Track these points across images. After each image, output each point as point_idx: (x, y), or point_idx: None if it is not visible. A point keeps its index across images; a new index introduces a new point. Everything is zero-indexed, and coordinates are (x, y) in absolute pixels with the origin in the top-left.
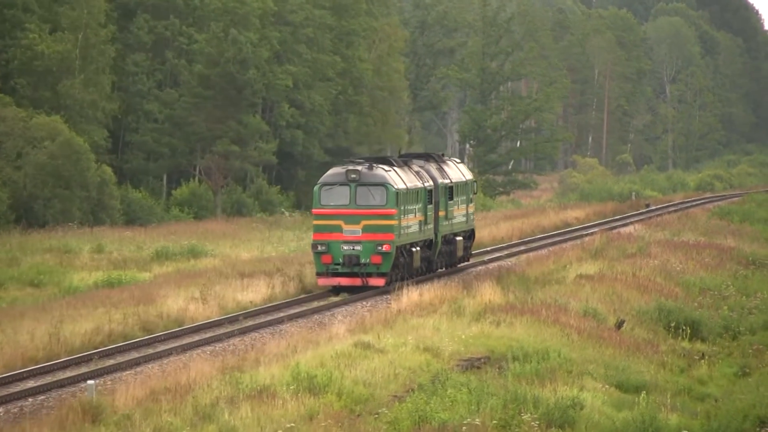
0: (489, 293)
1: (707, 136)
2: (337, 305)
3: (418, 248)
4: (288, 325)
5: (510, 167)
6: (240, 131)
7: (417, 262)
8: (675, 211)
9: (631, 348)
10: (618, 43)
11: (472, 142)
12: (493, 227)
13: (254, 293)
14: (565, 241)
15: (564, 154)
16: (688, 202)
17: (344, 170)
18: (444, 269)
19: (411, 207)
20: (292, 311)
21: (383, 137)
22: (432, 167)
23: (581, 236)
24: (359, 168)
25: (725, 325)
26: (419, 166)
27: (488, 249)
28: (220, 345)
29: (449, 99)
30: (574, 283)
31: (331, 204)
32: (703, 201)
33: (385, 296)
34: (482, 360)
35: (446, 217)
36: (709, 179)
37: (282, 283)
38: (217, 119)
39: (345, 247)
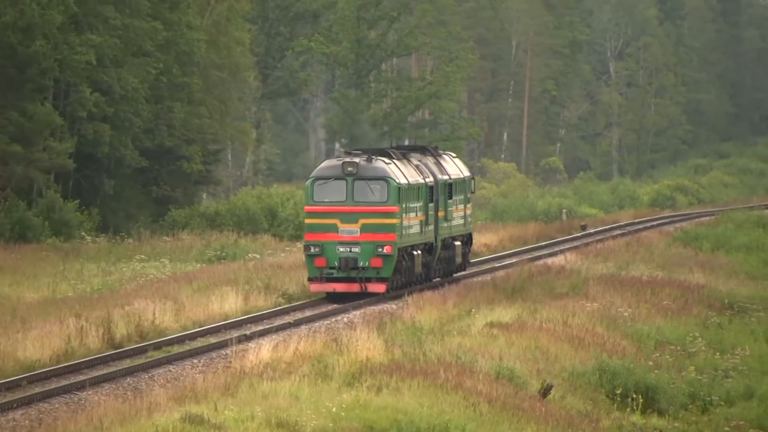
0: (366, 347)
1: (667, 133)
2: (158, 364)
3: (420, 252)
4: (90, 392)
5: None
6: (23, 125)
7: (418, 268)
8: (622, 235)
9: (561, 423)
10: (544, 4)
11: (343, 140)
12: None
13: (43, 348)
14: (472, 276)
15: (469, 157)
16: (640, 222)
17: (340, 163)
18: (440, 278)
19: (413, 205)
20: (96, 373)
21: (221, 133)
22: (429, 161)
23: (492, 270)
24: (357, 160)
25: (692, 393)
26: (417, 160)
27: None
28: None
29: (312, 82)
30: (482, 334)
31: (326, 201)
32: (660, 221)
33: (224, 351)
34: None
35: (446, 218)
36: (670, 192)
37: (82, 334)
38: None
39: (341, 249)
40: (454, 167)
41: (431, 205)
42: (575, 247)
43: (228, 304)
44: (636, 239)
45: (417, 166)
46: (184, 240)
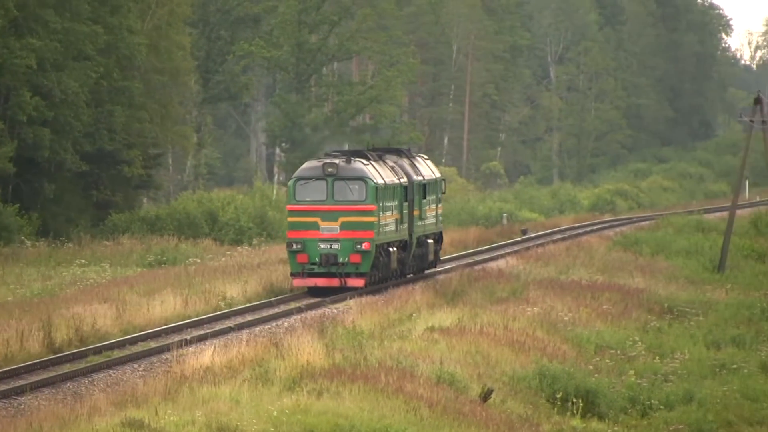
0: (307, 352)
1: (607, 137)
2: (98, 368)
3: (395, 249)
4: (30, 396)
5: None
6: None
7: (394, 264)
8: (563, 239)
9: (501, 428)
10: (485, 9)
11: (284, 144)
12: None
13: None
14: (412, 281)
15: None
16: (580, 227)
17: (321, 164)
18: (413, 275)
19: (389, 204)
20: (35, 378)
21: (162, 137)
22: (405, 163)
23: (433, 274)
24: (337, 161)
25: (631, 397)
26: (393, 162)
27: (305, 291)
28: None
29: (253, 86)
30: (423, 339)
31: (307, 200)
32: (601, 226)
33: (164, 355)
34: None
35: (420, 217)
36: (610, 196)
37: (21, 339)
38: None
39: (322, 246)
40: (427, 169)
41: (406, 204)
42: (516, 252)
43: (168, 308)
44: (576, 243)
45: (392, 167)
46: (124, 244)
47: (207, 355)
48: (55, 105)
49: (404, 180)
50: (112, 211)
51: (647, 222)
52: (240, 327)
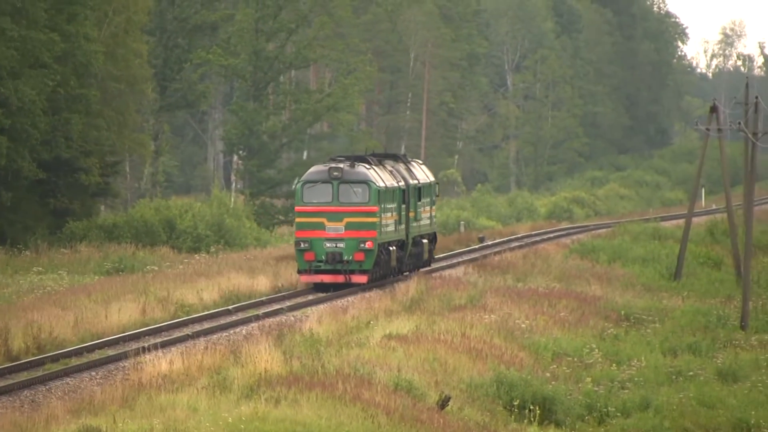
0: (265, 359)
1: (564, 145)
2: (55, 376)
3: (394, 248)
4: None
5: (293, 187)
6: None
7: (393, 261)
8: (520, 247)
9: None
10: (442, 17)
11: (241, 152)
12: (271, 269)
13: None
14: (370, 288)
15: None
16: (537, 234)
17: (327, 168)
18: (409, 273)
19: (389, 206)
20: None
21: (120, 145)
22: (401, 167)
23: (391, 281)
24: (341, 166)
25: (588, 404)
26: (391, 166)
27: (264, 299)
28: None
29: (210, 94)
30: (381, 346)
31: (314, 201)
32: (558, 233)
33: (122, 363)
34: None
35: (415, 218)
36: (567, 204)
37: None
38: None
39: (328, 245)
40: (422, 173)
41: (403, 206)
42: (473, 259)
43: (126, 316)
44: (533, 251)
45: (391, 171)
46: (82, 252)
47: (165, 362)
48: (12, 113)
49: (402, 183)
50: (69, 218)
51: (604, 230)
52: (197, 334)
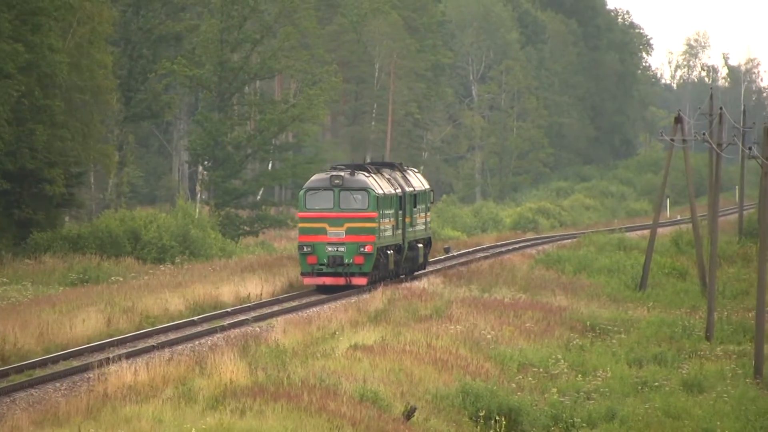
0: (230, 370)
1: (529, 156)
2: (20, 387)
3: (392, 252)
4: None
5: (259, 198)
6: None
7: (391, 265)
8: (485, 258)
9: None
10: (407, 27)
11: (206, 163)
12: (236, 280)
13: None
14: (335, 299)
15: None
16: (503, 245)
17: (328, 176)
18: (405, 276)
19: (387, 212)
20: None
21: (84, 155)
22: (397, 175)
23: (356, 292)
24: (342, 174)
25: (554, 415)
26: (388, 174)
27: (229, 310)
28: None
29: (175, 104)
30: (346, 357)
31: (317, 208)
32: (523, 244)
33: (87, 374)
34: None
35: (411, 224)
36: (532, 214)
37: None
38: None
39: (329, 249)
40: (418, 181)
41: (400, 212)
42: (438, 270)
43: (91, 326)
44: (499, 262)
45: (389, 179)
46: (46, 263)
47: (130, 373)
48: None
49: (399, 190)
50: (33, 229)
51: (569, 240)
52: (163, 345)
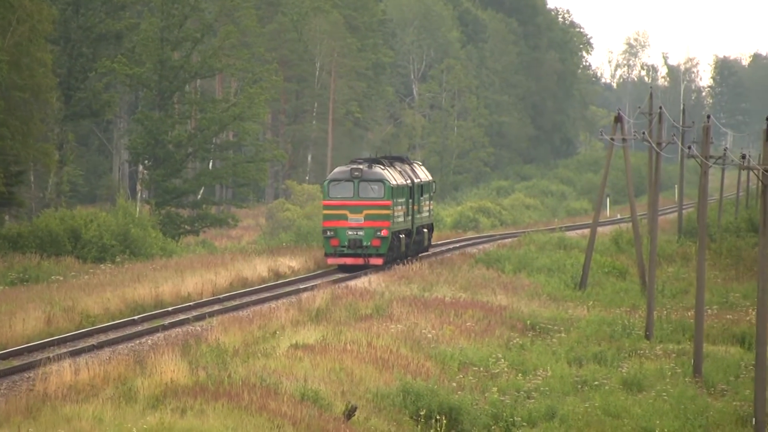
0: (171, 370)
1: (470, 155)
2: None
3: (403, 236)
4: None
5: (199, 197)
6: None
7: (403, 247)
8: (426, 257)
9: None
10: (348, 26)
11: (147, 162)
12: (175, 280)
13: None
14: (276, 298)
15: (274, 180)
16: (443, 244)
17: (349, 169)
18: (412, 257)
19: (400, 200)
20: None
21: (24, 154)
22: (407, 168)
23: (297, 292)
24: (361, 167)
25: (495, 414)
26: (400, 167)
27: (170, 309)
28: None
29: (115, 103)
30: (287, 356)
31: (338, 197)
32: (464, 243)
33: (27, 373)
34: None
35: (418, 211)
36: (472, 213)
37: None
38: None
39: (350, 233)
40: (423, 173)
41: (410, 200)
42: (379, 269)
43: (31, 326)
44: (439, 261)
45: (400, 171)
46: None
47: (70, 373)
48: None
49: (409, 181)
50: None
51: (510, 239)
52: (103, 345)
